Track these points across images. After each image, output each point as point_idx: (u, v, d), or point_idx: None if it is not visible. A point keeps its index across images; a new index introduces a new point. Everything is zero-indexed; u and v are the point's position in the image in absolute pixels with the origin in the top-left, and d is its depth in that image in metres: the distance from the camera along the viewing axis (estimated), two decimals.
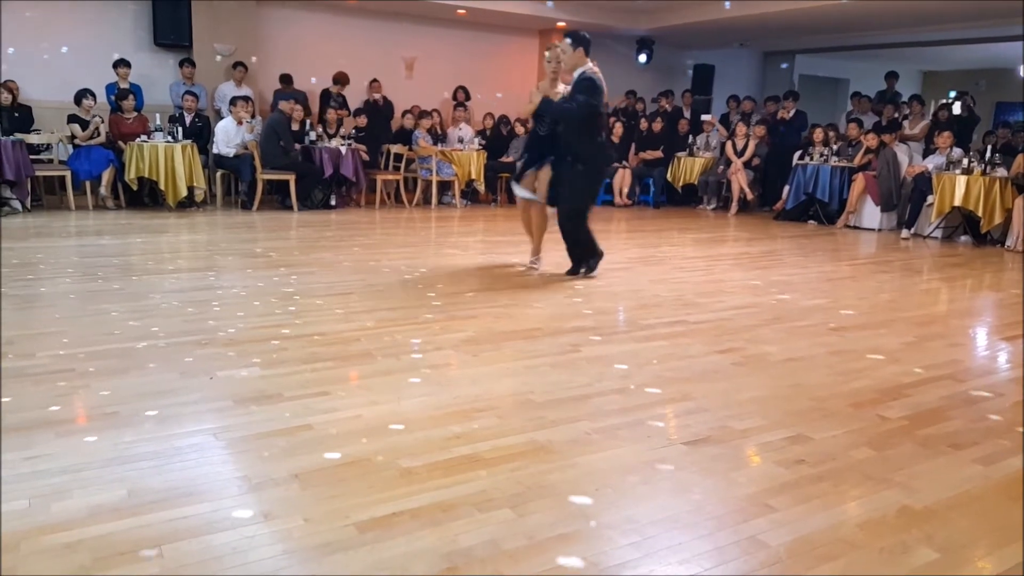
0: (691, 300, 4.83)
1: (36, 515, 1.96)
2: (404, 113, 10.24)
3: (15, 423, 2.52)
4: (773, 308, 4.69)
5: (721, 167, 10.61)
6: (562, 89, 5.22)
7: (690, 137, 11.17)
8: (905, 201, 8.65)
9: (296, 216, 8.29)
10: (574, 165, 5.07)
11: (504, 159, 10.53)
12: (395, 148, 9.72)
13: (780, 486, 2.28)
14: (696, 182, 10.84)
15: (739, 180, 10.21)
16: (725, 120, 11.57)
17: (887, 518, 2.12)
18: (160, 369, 3.12)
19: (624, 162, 10.94)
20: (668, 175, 11.01)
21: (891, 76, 11.66)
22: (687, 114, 12.00)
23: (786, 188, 9.79)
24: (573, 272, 5.42)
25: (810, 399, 3.06)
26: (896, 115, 10.35)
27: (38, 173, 7.78)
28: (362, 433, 2.56)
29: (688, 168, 10.89)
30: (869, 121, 10.13)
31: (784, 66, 14.40)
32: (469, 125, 10.66)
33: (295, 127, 8.95)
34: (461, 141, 10.22)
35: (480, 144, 10.24)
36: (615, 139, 10.89)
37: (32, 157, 7.67)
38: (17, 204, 7.49)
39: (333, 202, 9.08)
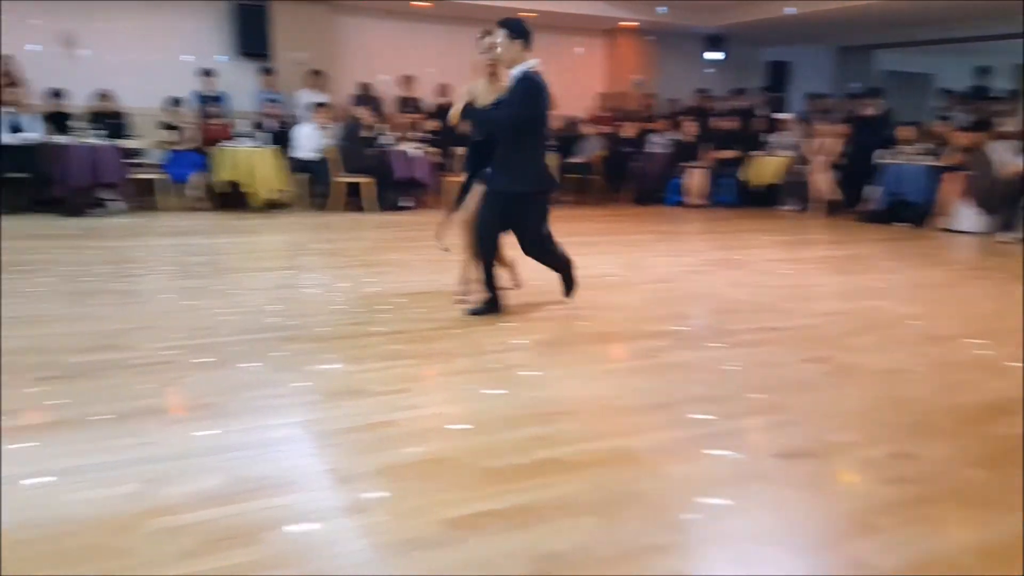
0: (775, 306, 4.70)
1: (145, 499, 2.06)
2: None
3: (125, 411, 2.65)
4: (865, 315, 4.51)
5: (800, 167, 10.31)
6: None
7: (765, 136, 10.89)
8: (1002, 202, 8.22)
9: (371, 217, 8.46)
10: (511, 186, 4.07)
11: (572, 160, 10.50)
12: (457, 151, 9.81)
13: (885, 505, 2.17)
14: (772, 182, 10.56)
15: (820, 180, 9.90)
16: (802, 118, 11.24)
17: (1010, 547, 1.97)
18: (252, 363, 3.23)
19: (697, 162, 10.76)
20: (741, 175, 10.77)
21: (982, 71, 11.12)
22: (762, 112, 11.71)
23: (871, 188, 9.44)
24: (568, 292, 4.56)
25: (911, 413, 2.92)
26: (990, 111, 9.84)
27: (134, 176, 8.18)
28: (443, 431, 2.59)
29: (764, 168, 10.62)
30: (960, 118, 9.67)
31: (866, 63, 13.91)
32: None
33: (369, 131, 9.14)
34: None
35: (551, 145, 10.23)
36: (688, 137, 10.70)
37: (129, 161, 8.07)
38: (116, 205, 7.90)
39: (406, 204, 9.23)
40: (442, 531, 1.95)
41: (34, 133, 7.64)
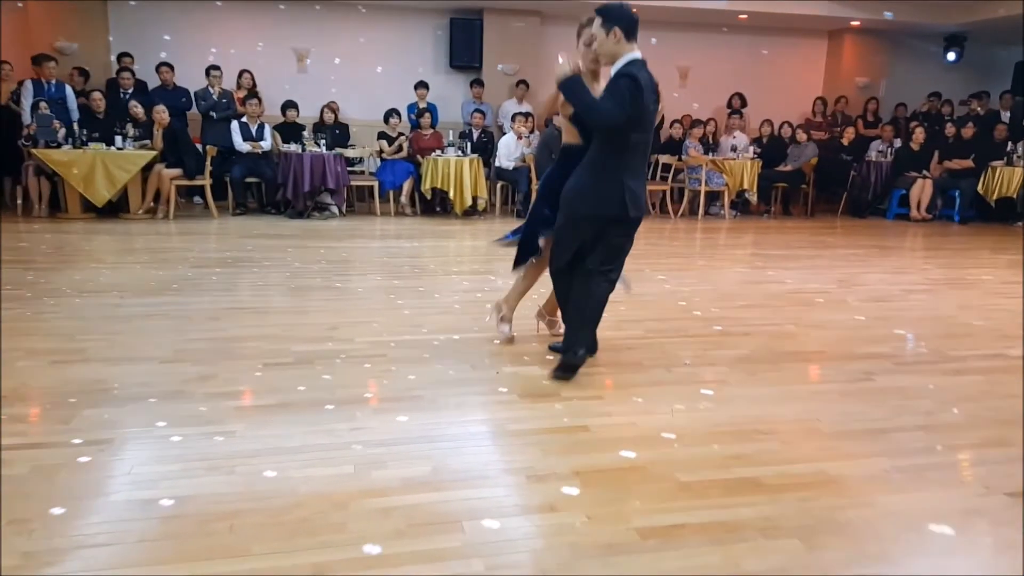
0: (1010, 331, 4.19)
1: (360, 480, 2.24)
2: (673, 123, 10.15)
3: (343, 397, 2.91)
4: None
5: None
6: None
7: (1009, 144, 9.72)
8: None
9: None
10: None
11: (782, 168, 9.99)
12: (663, 158, 9.67)
13: None
14: (1015, 196, 9.40)
15: None
16: None
17: None
18: (455, 361, 3.41)
19: (924, 172, 9.84)
20: (980, 187, 9.67)
21: None
22: (1005, 118, 10.45)
23: None
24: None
25: None
26: None
27: (352, 183, 8.94)
28: (637, 440, 2.58)
29: (1006, 179, 9.47)
30: None
31: None
32: (744, 133, 10.29)
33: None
34: (734, 150, 9.89)
35: (755, 152, 9.83)
36: (915, 146, 9.83)
37: (348, 169, 8.84)
38: (335, 209, 8.67)
39: None
40: (637, 539, 1.94)
41: (267, 142, 8.61)
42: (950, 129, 10.05)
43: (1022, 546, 1.92)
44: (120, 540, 1.89)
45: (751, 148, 9.89)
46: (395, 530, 1.96)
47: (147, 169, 7.86)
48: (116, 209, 7.81)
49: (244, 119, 8.58)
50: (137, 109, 8.12)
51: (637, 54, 3.16)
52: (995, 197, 9.55)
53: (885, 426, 2.77)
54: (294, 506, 2.07)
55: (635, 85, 3.07)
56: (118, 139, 7.75)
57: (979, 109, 10.60)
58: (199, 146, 8.41)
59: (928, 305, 4.86)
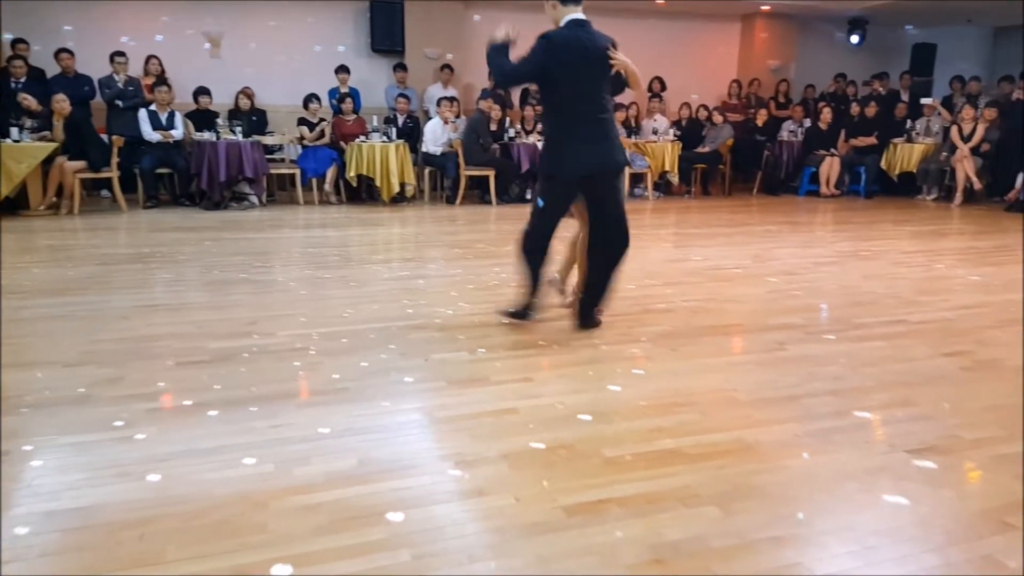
0: (911, 298, 4.44)
1: (281, 478, 2.20)
2: None
3: (263, 394, 2.85)
4: (1007, 309, 4.20)
5: (944, 154, 9.62)
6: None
7: (908, 122, 10.24)
8: None
9: (495, 210, 8.62)
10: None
11: (700, 149, 10.26)
12: None
13: (1019, 503, 2.07)
14: (915, 170, 9.91)
15: (965, 168, 9.20)
16: (948, 103, 10.47)
17: None
18: (381, 350, 3.39)
19: (832, 149, 10.26)
20: (883, 163, 10.16)
21: None
22: (905, 97, 10.99)
23: (1020, 176, 8.68)
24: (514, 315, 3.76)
25: None
26: None
27: (272, 171, 8.71)
28: (564, 420, 2.62)
29: (906, 155, 9.98)
30: None
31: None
32: (664, 116, 10.50)
33: (494, 126, 9.29)
34: (655, 132, 10.09)
35: (675, 135, 10.06)
36: (823, 125, 10.24)
37: (267, 157, 8.61)
38: (254, 199, 8.44)
39: (529, 196, 9.33)
40: (564, 517, 1.98)
41: (178, 130, 8.29)
42: (855, 109, 10.50)
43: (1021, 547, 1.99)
44: (20, 556, 1.80)
45: (671, 131, 10.11)
46: (319, 526, 1.94)
47: (48, 162, 7.44)
48: (15, 206, 7.37)
49: (153, 107, 8.24)
50: (28, 100, 7.62)
51: (575, 15, 3.27)
52: (897, 172, 10.06)
53: (797, 392, 2.90)
54: (210, 509, 2.02)
55: (544, 44, 3.18)
56: (14, 131, 7.31)
57: (881, 89, 11.11)
58: (105, 137, 8.02)
59: (835, 276, 5.10)
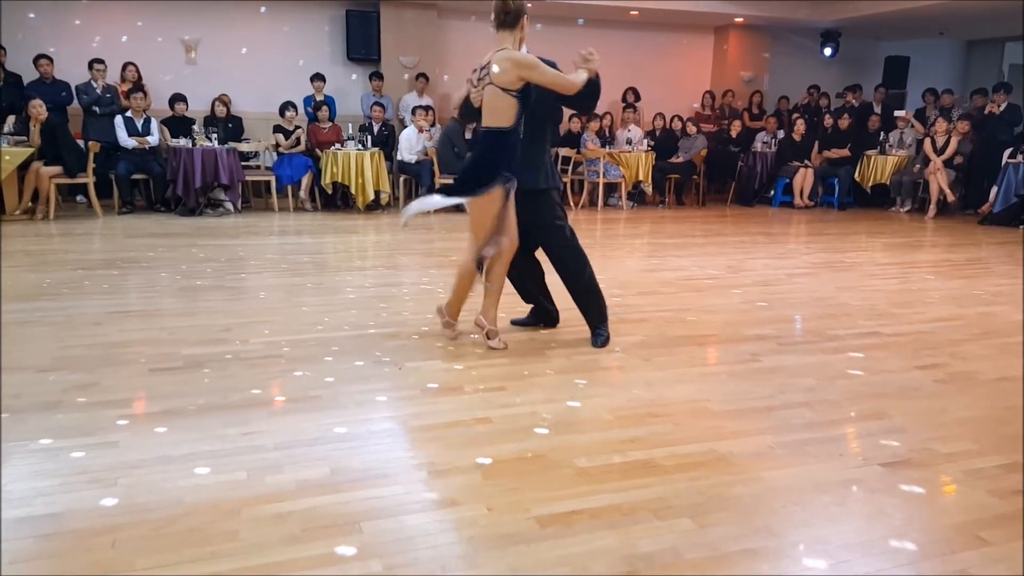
0: (885, 310, 4.49)
1: (253, 486, 2.17)
2: (571, 117, 10.30)
3: (235, 401, 2.81)
4: (981, 321, 4.26)
5: (917, 166, 9.79)
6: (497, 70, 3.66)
7: (881, 134, 10.40)
8: None
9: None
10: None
11: (674, 159, 10.34)
12: (563, 151, 9.81)
13: (994, 518, 2.07)
14: (888, 182, 10.07)
15: (938, 180, 9.36)
16: (921, 115, 10.66)
17: None
18: (356, 358, 3.35)
19: (806, 161, 10.39)
20: (856, 175, 10.31)
21: None
22: (878, 109, 11.17)
23: (994, 189, 8.85)
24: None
25: None
26: None
27: (247, 178, 8.64)
28: (538, 429, 2.61)
29: (879, 167, 10.14)
30: None
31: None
32: (638, 126, 10.56)
33: (468, 134, 9.28)
34: (629, 143, 10.15)
35: (649, 145, 10.13)
36: (796, 137, 10.37)
37: (242, 163, 8.53)
38: (229, 205, 8.36)
39: None
40: (536, 527, 1.97)
41: (154, 137, 8.20)
42: (828, 120, 10.65)
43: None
44: None
45: (645, 141, 10.18)
46: (290, 535, 1.91)
47: (23, 167, 7.34)
48: None
49: (129, 113, 8.15)
50: (37, 108, 7.47)
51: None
52: (870, 184, 10.21)
53: (770, 404, 2.91)
54: (182, 516, 1.99)
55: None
56: None
57: (854, 101, 11.27)
58: (81, 142, 7.92)
59: (809, 287, 5.14)
